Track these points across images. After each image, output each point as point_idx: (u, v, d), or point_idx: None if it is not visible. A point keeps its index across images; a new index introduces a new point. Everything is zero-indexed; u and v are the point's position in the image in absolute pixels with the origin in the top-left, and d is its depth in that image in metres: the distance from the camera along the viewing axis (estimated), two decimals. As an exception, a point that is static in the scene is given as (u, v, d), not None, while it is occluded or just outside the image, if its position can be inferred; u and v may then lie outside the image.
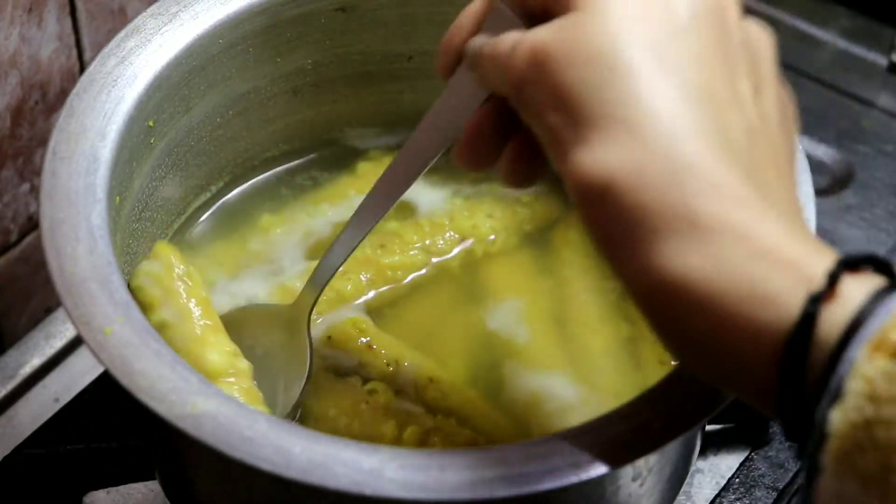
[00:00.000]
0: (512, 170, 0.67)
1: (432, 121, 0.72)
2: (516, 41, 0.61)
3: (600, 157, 0.57)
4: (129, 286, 0.73)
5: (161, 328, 0.74)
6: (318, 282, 0.79)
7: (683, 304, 0.56)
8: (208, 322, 0.77)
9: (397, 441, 0.77)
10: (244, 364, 0.76)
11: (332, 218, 0.90)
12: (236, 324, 0.80)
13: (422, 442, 0.77)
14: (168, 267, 0.78)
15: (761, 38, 0.63)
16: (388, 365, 0.81)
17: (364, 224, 0.77)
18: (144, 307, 0.75)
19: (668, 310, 0.56)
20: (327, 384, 0.81)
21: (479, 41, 0.66)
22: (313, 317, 0.82)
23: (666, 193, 0.56)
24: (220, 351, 0.75)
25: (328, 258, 0.79)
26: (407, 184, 0.74)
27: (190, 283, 0.78)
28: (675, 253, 0.55)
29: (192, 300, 0.77)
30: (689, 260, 0.55)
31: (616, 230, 0.57)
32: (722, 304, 0.55)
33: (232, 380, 0.74)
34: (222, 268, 0.88)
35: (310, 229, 0.89)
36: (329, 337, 0.82)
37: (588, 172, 0.57)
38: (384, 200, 0.75)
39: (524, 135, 0.65)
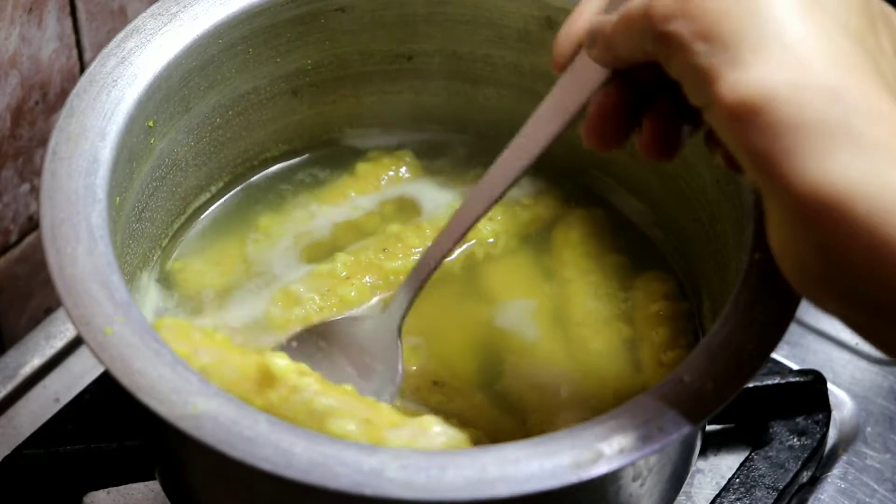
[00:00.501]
0: (653, 143, 0.67)
1: (547, 111, 0.71)
2: None
3: (758, 75, 0.57)
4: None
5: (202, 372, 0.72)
6: (413, 285, 0.78)
7: (844, 220, 0.55)
8: (240, 349, 0.76)
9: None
10: (306, 367, 0.74)
11: (332, 218, 0.90)
12: (323, 336, 0.80)
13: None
14: (182, 329, 0.77)
15: (893, 13, 0.64)
16: None
17: (465, 220, 0.75)
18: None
19: (827, 226, 0.56)
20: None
21: (603, 18, 0.67)
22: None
23: (828, 111, 0.56)
24: (278, 354, 0.74)
25: (425, 258, 0.78)
26: (515, 177, 0.73)
27: (207, 333, 0.77)
28: (838, 167, 0.55)
29: (217, 341, 0.76)
30: (850, 174, 0.55)
31: (774, 146, 0.57)
32: (884, 223, 0.55)
33: (305, 380, 0.72)
34: (220, 268, 0.88)
35: (308, 230, 0.90)
36: None
37: (746, 90, 0.58)
38: (488, 194, 0.74)
39: (659, 107, 0.66)
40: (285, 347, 0.80)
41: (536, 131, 0.71)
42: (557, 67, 0.71)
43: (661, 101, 0.66)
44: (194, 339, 0.76)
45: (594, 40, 0.67)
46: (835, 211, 0.56)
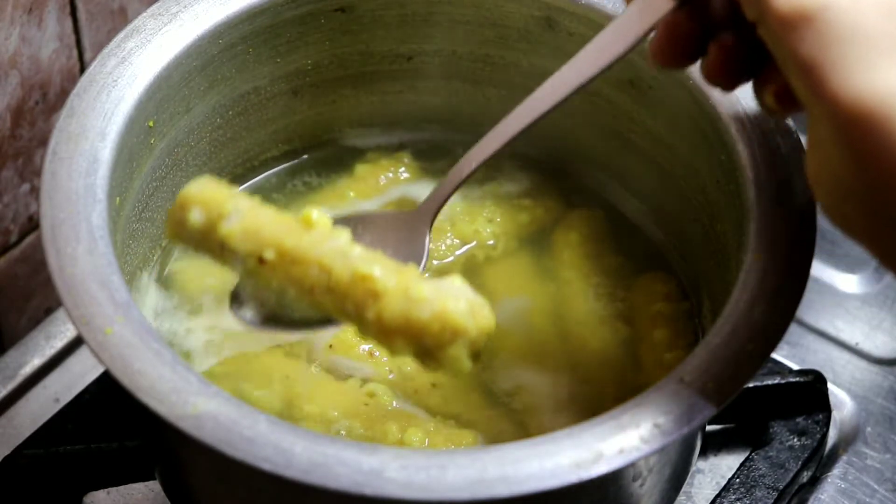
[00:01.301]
0: (716, 69, 0.68)
1: (613, 32, 0.71)
2: None
3: None
4: (181, 198, 0.72)
5: (237, 211, 0.71)
6: (452, 182, 0.78)
7: (885, 129, 0.56)
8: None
9: (399, 442, 0.77)
10: (341, 227, 0.73)
11: (331, 220, 0.90)
12: (359, 222, 0.80)
13: (423, 443, 0.77)
14: (217, 184, 0.74)
15: None
16: (389, 372, 0.81)
17: (512, 127, 0.76)
18: (210, 202, 0.72)
19: (868, 136, 0.57)
20: (327, 386, 0.81)
21: None
22: (319, 333, 0.82)
23: (882, 23, 0.58)
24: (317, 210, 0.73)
25: (467, 157, 0.77)
26: (568, 92, 0.73)
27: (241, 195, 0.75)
28: (884, 77, 0.57)
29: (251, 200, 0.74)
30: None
31: (824, 54, 0.58)
32: None
33: (342, 231, 0.71)
34: (220, 269, 0.87)
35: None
36: (330, 346, 0.83)
37: None
38: (538, 105, 0.75)
39: (730, 35, 0.67)
40: None
41: (600, 49, 0.72)
42: None
43: (726, 32, 0.67)
44: (227, 190, 0.74)
45: None
46: (877, 120, 0.57)
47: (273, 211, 0.73)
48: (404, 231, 0.80)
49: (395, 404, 0.80)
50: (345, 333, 0.82)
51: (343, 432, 0.77)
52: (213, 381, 0.67)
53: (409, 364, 0.82)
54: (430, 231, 0.80)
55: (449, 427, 0.79)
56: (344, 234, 0.71)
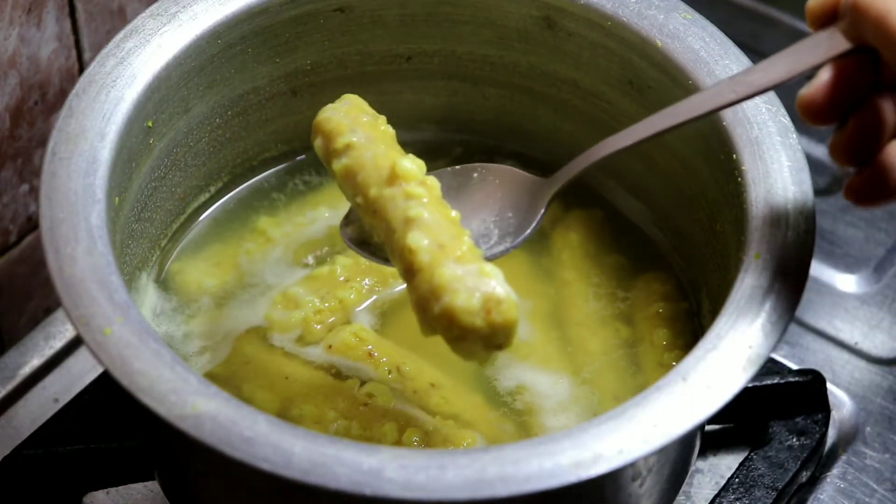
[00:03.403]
0: (848, 144, 0.66)
1: (781, 59, 0.69)
2: None
3: None
4: (314, 122, 0.78)
5: (347, 149, 0.76)
6: (582, 163, 0.76)
7: None
8: (396, 147, 0.77)
9: (398, 443, 0.77)
10: (434, 181, 0.74)
11: (330, 220, 0.90)
12: (472, 174, 0.80)
13: (422, 443, 0.77)
14: (357, 108, 0.79)
15: None
16: (388, 372, 0.82)
17: (655, 125, 0.73)
18: (330, 135, 0.77)
19: None
20: (326, 387, 0.81)
21: None
22: (316, 327, 0.83)
23: None
24: (412, 160, 0.74)
25: (601, 145, 0.75)
26: (721, 104, 0.71)
27: (376, 122, 0.79)
28: None
29: (380, 132, 0.78)
30: None
31: None
32: None
33: (421, 190, 0.73)
34: (219, 269, 0.88)
35: (307, 232, 0.90)
36: (329, 346, 0.83)
37: None
38: (686, 111, 0.72)
39: (870, 112, 0.65)
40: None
41: (763, 73, 0.69)
42: (814, 25, 0.68)
43: (875, 99, 0.65)
44: (359, 119, 0.78)
45: (844, 12, 0.66)
46: None
47: (384, 147, 0.76)
48: (526, 196, 0.79)
49: (393, 405, 0.80)
50: (344, 334, 0.83)
51: (339, 433, 0.77)
52: (211, 381, 0.67)
53: (408, 364, 0.82)
54: (549, 204, 0.78)
55: (448, 427, 0.79)
56: (420, 194, 0.73)
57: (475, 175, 0.80)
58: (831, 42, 0.66)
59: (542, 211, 0.78)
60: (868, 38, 0.64)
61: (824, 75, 0.66)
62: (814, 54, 0.67)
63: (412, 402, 0.80)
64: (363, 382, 0.81)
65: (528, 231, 0.78)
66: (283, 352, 0.83)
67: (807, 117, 0.67)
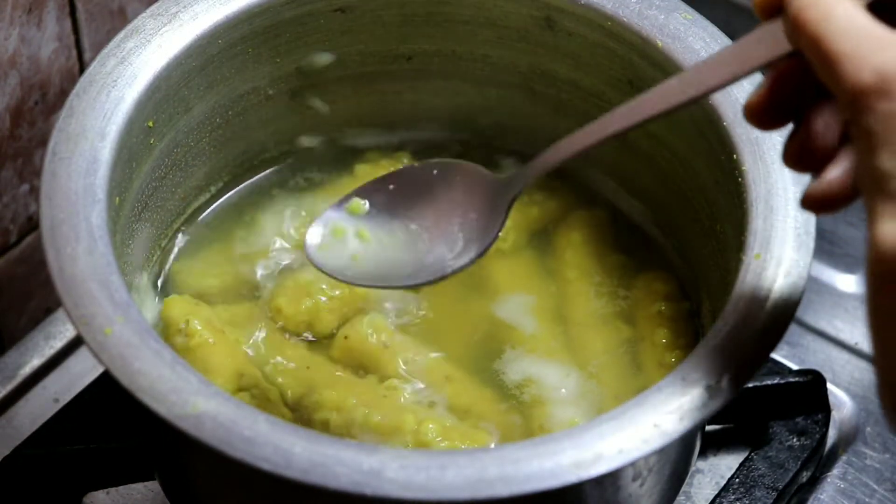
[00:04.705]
0: (800, 151, 0.64)
1: (731, 54, 0.66)
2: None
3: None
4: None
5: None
6: (538, 168, 0.74)
7: None
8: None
9: (415, 433, 0.77)
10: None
11: (331, 220, 0.90)
12: (439, 169, 0.79)
13: (439, 437, 0.77)
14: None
15: None
16: (403, 364, 0.82)
17: (603, 129, 0.71)
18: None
19: None
20: (345, 379, 0.81)
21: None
22: (328, 315, 0.83)
23: None
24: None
25: (559, 145, 0.73)
26: (671, 105, 0.68)
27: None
28: None
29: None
30: None
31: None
32: None
33: None
34: (219, 268, 0.88)
35: (307, 232, 0.90)
36: (346, 336, 0.83)
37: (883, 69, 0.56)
38: (637, 111, 0.69)
39: (819, 117, 0.63)
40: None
41: (712, 69, 0.66)
42: (762, 15, 0.65)
43: (821, 105, 0.63)
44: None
45: (792, 21, 0.62)
46: None
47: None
48: (488, 198, 0.77)
49: (411, 397, 0.80)
50: (360, 324, 0.83)
51: (359, 421, 0.77)
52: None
53: (422, 357, 0.82)
54: (509, 208, 0.76)
55: (465, 426, 0.79)
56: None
57: (435, 172, 0.79)
58: (776, 39, 0.63)
59: (503, 217, 0.76)
60: (805, 53, 0.61)
61: (766, 78, 0.64)
62: (758, 54, 0.64)
63: (428, 391, 0.81)
64: (382, 378, 0.81)
65: (490, 241, 0.77)
66: (306, 345, 0.84)
67: (751, 122, 0.65)
